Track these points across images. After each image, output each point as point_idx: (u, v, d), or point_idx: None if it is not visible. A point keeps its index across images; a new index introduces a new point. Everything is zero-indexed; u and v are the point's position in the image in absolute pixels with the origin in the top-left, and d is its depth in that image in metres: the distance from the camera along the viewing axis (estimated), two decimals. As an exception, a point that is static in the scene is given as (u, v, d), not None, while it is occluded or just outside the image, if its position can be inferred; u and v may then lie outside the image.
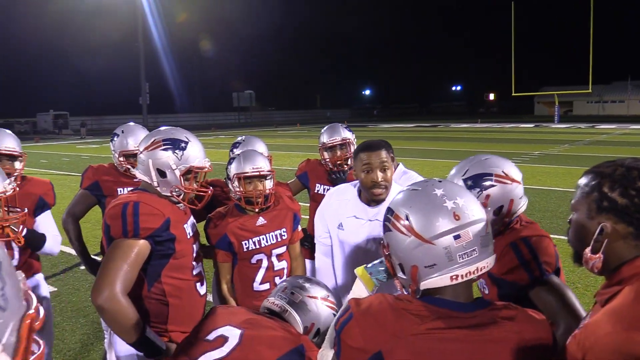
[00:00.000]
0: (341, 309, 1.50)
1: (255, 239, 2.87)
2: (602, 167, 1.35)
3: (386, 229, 1.42)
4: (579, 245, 1.35)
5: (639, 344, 1.10)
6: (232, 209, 2.94)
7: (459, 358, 1.25)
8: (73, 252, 3.44)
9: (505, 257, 1.93)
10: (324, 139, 3.88)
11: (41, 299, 3.38)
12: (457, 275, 1.31)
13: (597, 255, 1.29)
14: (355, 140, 3.90)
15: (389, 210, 1.42)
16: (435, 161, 17.77)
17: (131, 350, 2.30)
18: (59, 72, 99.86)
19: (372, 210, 2.68)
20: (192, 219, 2.56)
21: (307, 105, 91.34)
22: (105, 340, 3.77)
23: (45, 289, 3.40)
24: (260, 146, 3.68)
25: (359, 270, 1.87)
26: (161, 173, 2.36)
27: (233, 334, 1.83)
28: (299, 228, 3.12)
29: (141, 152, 2.41)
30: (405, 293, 1.42)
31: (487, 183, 2.04)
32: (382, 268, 1.81)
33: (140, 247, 2.22)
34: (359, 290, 1.82)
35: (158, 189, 2.38)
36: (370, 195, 2.64)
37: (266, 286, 2.92)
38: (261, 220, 2.91)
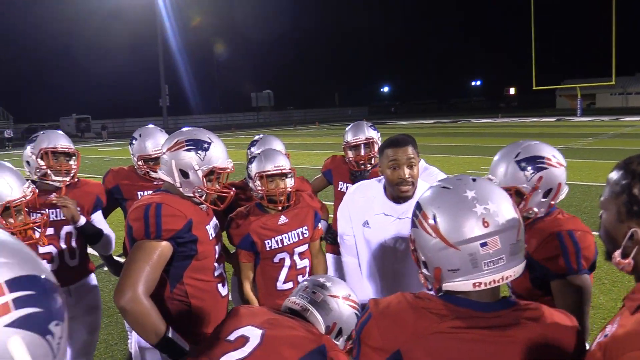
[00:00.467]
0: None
1: (278, 238, 2.86)
2: (634, 163, 1.24)
3: (413, 224, 1.39)
4: (609, 245, 1.28)
5: None
6: (254, 209, 2.94)
7: (479, 358, 1.22)
8: (95, 253, 3.49)
9: (548, 244, 2.01)
10: (348, 137, 3.86)
11: (96, 304, 3.43)
12: (480, 283, 1.27)
13: (627, 261, 1.21)
14: (380, 139, 3.86)
15: (418, 206, 1.39)
16: (456, 157, 17.62)
17: (155, 351, 2.31)
18: (80, 76, 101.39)
19: (400, 208, 2.64)
20: (214, 220, 2.56)
21: (326, 103, 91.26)
22: (129, 340, 3.81)
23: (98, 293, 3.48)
24: (278, 144, 3.68)
25: None
26: (184, 174, 2.37)
27: (254, 334, 1.82)
28: (320, 225, 3.11)
29: (164, 153, 2.42)
30: (428, 287, 1.40)
31: (540, 165, 2.12)
32: None
33: (163, 248, 2.23)
34: None
35: (181, 189, 2.39)
36: (397, 192, 2.60)
37: (289, 285, 2.91)
38: (283, 219, 2.90)
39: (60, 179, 3.18)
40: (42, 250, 3.10)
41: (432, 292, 1.39)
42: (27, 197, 2.57)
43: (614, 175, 1.27)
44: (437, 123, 44.44)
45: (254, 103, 67.68)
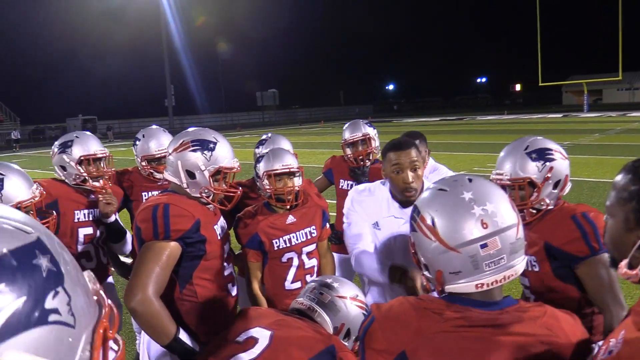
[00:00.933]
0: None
1: (286, 237, 2.86)
2: None
3: (412, 228, 1.39)
4: (615, 253, 1.22)
5: None
6: (262, 208, 2.94)
7: (483, 356, 1.22)
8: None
9: (565, 228, 2.05)
10: (346, 135, 3.96)
11: (119, 302, 3.49)
12: (482, 284, 1.27)
13: (634, 272, 1.14)
14: (377, 135, 3.97)
15: (415, 209, 1.38)
16: (462, 154, 17.56)
17: (165, 352, 2.32)
18: (86, 78, 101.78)
19: (408, 211, 2.61)
20: (222, 220, 2.56)
21: (331, 102, 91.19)
22: (137, 341, 3.82)
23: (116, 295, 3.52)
24: (286, 144, 3.70)
25: None
26: (190, 174, 2.37)
27: (263, 335, 1.82)
28: (327, 225, 3.11)
29: (170, 154, 2.42)
30: (431, 289, 1.40)
31: (549, 156, 2.19)
32: None
33: (172, 249, 2.23)
34: None
35: (187, 190, 2.39)
36: (402, 197, 2.57)
37: (298, 285, 2.90)
38: (291, 219, 2.89)
39: (97, 184, 3.23)
40: (80, 248, 3.19)
41: (435, 294, 1.39)
42: (36, 199, 2.59)
43: (622, 179, 1.20)
44: (443, 120, 44.32)
45: (259, 102, 67.72)
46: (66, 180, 3.22)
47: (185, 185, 2.38)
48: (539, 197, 2.16)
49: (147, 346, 2.47)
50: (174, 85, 51.29)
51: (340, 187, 4.04)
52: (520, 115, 45.98)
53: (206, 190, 2.39)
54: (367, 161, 3.89)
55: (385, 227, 2.63)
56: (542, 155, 2.19)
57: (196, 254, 2.33)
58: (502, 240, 1.27)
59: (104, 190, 3.19)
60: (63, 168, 3.22)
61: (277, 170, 2.85)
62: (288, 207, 2.90)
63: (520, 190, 2.19)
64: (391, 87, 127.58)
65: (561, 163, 2.19)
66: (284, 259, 2.89)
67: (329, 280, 2.13)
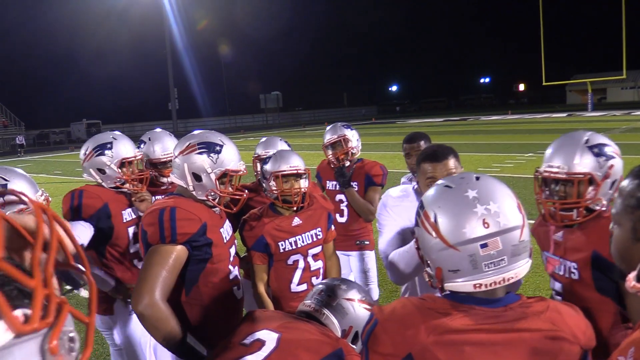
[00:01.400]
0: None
1: (292, 240, 2.85)
2: None
3: (416, 223, 1.38)
4: (622, 264, 1.17)
5: None
6: (267, 210, 2.93)
7: (489, 355, 1.21)
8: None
9: None
10: (325, 138, 4.20)
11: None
12: (480, 284, 1.26)
13: None
14: (355, 136, 4.16)
15: (421, 205, 1.38)
16: (466, 155, 17.49)
17: (173, 356, 2.31)
18: (90, 82, 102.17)
19: None
20: (227, 223, 2.55)
21: (334, 103, 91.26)
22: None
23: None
24: (283, 145, 3.77)
25: None
26: (197, 177, 2.37)
27: (270, 337, 1.80)
28: (332, 227, 3.10)
29: (176, 157, 2.42)
30: (432, 285, 1.38)
31: (610, 153, 2.03)
32: None
33: (178, 252, 2.22)
34: None
35: (194, 193, 2.39)
36: None
37: (303, 287, 2.90)
38: (297, 221, 2.89)
39: (140, 186, 3.17)
40: (132, 249, 3.16)
41: (437, 293, 1.38)
42: None
43: (628, 185, 1.15)
44: (447, 121, 44.24)
45: (262, 105, 67.76)
46: (103, 184, 3.12)
47: (191, 188, 2.38)
48: (596, 195, 1.98)
49: (154, 350, 2.47)
50: (177, 89, 51.40)
51: (327, 188, 4.25)
52: (524, 115, 45.85)
53: (212, 193, 2.39)
54: (346, 161, 4.08)
55: None
56: (603, 150, 2.02)
57: (202, 257, 2.32)
58: (504, 241, 1.25)
59: (135, 192, 3.14)
60: (101, 171, 3.11)
61: (284, 171, 2.85)
62: (294, 208, 2.89)
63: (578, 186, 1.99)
64: (395, 88, 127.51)
65: (619, 162, 2.03)
66: (290, 262, 2.88)
67: (336, 283, 2.11)
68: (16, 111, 48.92)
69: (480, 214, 1.26)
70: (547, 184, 2.15)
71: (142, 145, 3.67)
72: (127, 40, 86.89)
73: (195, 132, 2.51)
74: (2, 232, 0.59)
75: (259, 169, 3.65)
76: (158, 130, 3.82)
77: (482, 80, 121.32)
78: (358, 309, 2.01)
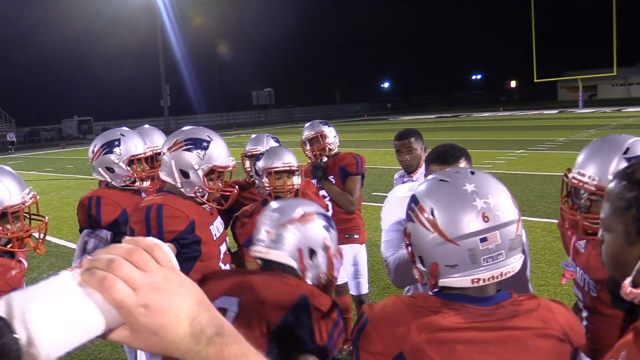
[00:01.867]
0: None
1: None
2: (637, 171, 1.07)
3: (409, 218, 1.35)
4: (616, 272, 1.12)
5: None
6: (260, 207, 2.91)
7: (481, 353, 1.20)
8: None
9: None
10: (303, 134, 4.27)
11: None
12: (479, 279, 1.25)
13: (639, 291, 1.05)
14: (335, 134, 4.26)
15: (414, 200, 1.35)
16: (458, 151, 17.55)
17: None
18: (81, 79, 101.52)
19: None
20: (218, 220, 2.54)
21: (327, 100, 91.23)
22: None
23: None
24: (270, 142, 3.85)
25: None
26: (184, 174, 2.35)
27: (230, 302, 1.71)
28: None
29: (164, 154, 2.40)
30: (422, 282, 1.37)
31: None
32: None
33: None
34: None
35: (182, 190, 2.37)
36: None
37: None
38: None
39: (147, 184, 3.08)
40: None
41: (428, 290, 1.36)
42: (27, 204, 2.48)
43: (615, 187, 1.10)
44: (439, 118, 44.34)
45: (255, 101, 67.62)
46: (113, 183, 3.02)
47: (179, 185, 2.36)
48: None
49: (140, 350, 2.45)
50: (169, 86, 51.20)
51: None
52: (516, 111, 46.03)
53: (200, 190, 2.37)
54: (323, 157, 4.16)
55: None
56: None
57: (191, 255, 2.30)
58: (502, 235, 1.24)
59: (151, 190, 3.05)
60: (110, 169, 3.01)
61: (277, 167, 2.85)
62: None
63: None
64: (387, 84, 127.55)
65: None
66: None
67: (268, 214, 1.90)
68: (6, 108, 48.52)
69: (480, 208, 1.24)
70: (575, 190, 1.97)
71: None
72: (119, 37, 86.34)
73: (184, 128, 2.49)
74: None
75: (247, 165, 3.66)
76: (146, 126, 3.79)
77: (474, 77, 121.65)
78: (300, 228, 1.82)
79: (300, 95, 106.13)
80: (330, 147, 4.19)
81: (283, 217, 1.84)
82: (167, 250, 0.67)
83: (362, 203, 4.46)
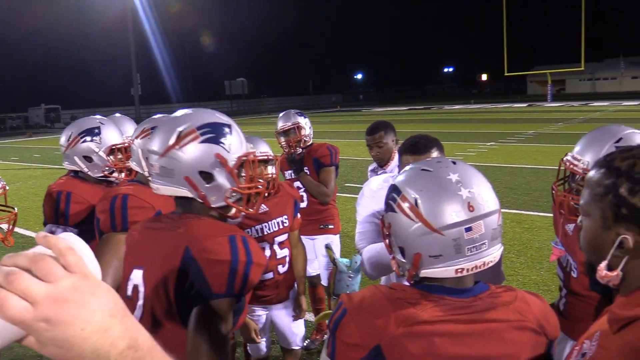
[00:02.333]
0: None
1: (258, 227, 2.83)
2: (616, 159, 1.10)
3: (389, 208, 1.33)
4: (592, 256, 1.15)
5: None
6: None
7: (459, 345, 1.21)
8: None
9: None
10: (278, 125, 4.21)
11: None
12: (462, 269, 1.25)
13: (615, 273, 1.08)
14: (310, 126, 4.25)
15: (395, 189, 1.33)
16: (430, 144, 17.72)
17: None
18: (49, 66, 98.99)
19: None
20: None
21: (300, 91, 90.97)
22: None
23: None
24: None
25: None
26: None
27: (137, 277, 1.60)
28: (298, 215, 3.10)
29: (132, 142, 2.37)
30: (400, 273, 1.36)
31: None
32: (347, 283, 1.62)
33: None
34: None
35: (150, 178, 2.34)
36: None
37: (270, 275, 2.89)
38: (263, 208, 2.85)
39: (123, 175, 2.95)
40: None
41: (405, 282, 1.35)
42: None
43: (595, 175, 1.13)
44: (411, 110, 44.61)
45: (227, 91, 66.99)
46: (89, 173, 2.88)
47: (147, 174, 2.32)
48: None
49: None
50: (141, 74, 50.30)
51: (285, 177, 4.30)
52: (487, 104, 46.63)
53: None
54: (298, 148, 4.13)
55: None
56: None
57: None
58: (486, 225, 1.25)
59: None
60: (88, 158, 2.87)
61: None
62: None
63: None
64: (360, 76, 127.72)
65: None
66: (255, 249, 2.86)
67: (148, 146, 1.70)
68: (-30, 95, 47.04)
69: (465, 197, 1.24)
70: (572, 174, 2.09)
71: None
72: (88, 23, 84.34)
73: (154, 116, 2.45)
74: None
75: None
76: (117, 115, 3.71)
77: (445, 70, 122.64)
78: (182, 154, 1.59)
79: (273, 85, 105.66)
80: (306, 139, 4.18)
81: (160, 147, 1.62)
82: (84, 254, 0.64)
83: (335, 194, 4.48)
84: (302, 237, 4.04)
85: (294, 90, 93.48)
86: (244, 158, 1.67)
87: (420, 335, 1.19)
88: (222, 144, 1.63)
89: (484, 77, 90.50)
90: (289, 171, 4.23)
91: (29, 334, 0.59)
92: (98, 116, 3.06)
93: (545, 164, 12.76)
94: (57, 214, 2.74)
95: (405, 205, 1.28)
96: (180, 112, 1.72)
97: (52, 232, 2.73)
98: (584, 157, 1.97)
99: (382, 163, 3.58)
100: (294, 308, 3.12)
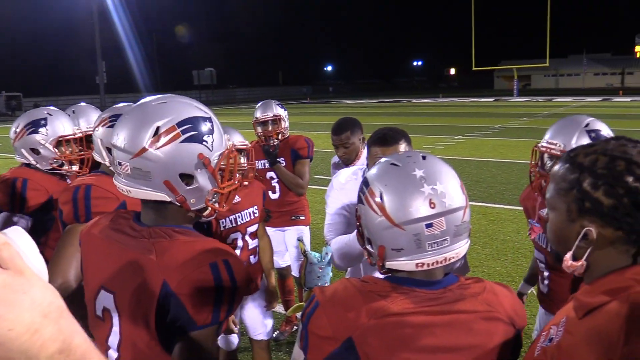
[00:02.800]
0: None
1: (232, 217, 2.82)
2: (580, 155, 1.14)
3: (360, 200, 1.36)
4: (559, 247, 1.19)
5: None
6: None
7: (428, 336, 1.23)
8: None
9: None
10: (258, 114, 4.14)
11: None
12: (423, 263, 1.27)
13: (579, 263, 1.12)
14: (287, 116, 4.22)
15: (365, 182, 1.36)
16: (399, 136, 17.88)
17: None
18: (9, 53, 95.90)
19: None
20: None
21: (270, 82, 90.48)
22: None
23: None
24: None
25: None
26: (110, 152, 2.28)
27: (108, 301, 1.45)
28: (263, 207, 3.11)
29: (93, 132, 2.33)
30: (372, 263, 1.38)
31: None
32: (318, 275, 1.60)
33: None
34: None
35: (112, 168, 2.30)
36: None
37: (243, 266, 2.89)
38: (236, 198, 2.85)
39: (76, 168, 2.87)
40: None
41: (377, 274, 1.37)
42: None
43: (559, 170, 1.17)
44: (381, 102, 44.89)
45: (195, 81, 66.15)
46: (38, 166, 2.82)
47: (107, 164, 2.28)
48: None
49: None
50: (106, 62, 49.22)
51: (257, 167, 4.22)
52: (454, 98, 47.23)
53: None
54: (275, 140, 4.09)
55: None
56: (600, 134, 2.25)
57: None
58: (448, 221, 1.27)
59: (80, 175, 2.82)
60: (35, 151, 2.80)
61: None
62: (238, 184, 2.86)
63: None
64: (330, 68, 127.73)
65: None
66: (229, 241, 2.86)
67: (111, 139, 1.51)
68: None
69: (427, 194, 1.26)
70: (542, 158, 2.40)
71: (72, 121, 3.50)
72: (52, 8, 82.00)
73: (117, 105, 2.41)
74: None
75: None
76: (82, 104, 3.63)
77: (415, 63, 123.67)
78: (158, 155, 1.40)
79: (242, 76, 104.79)
80: (284, 132, 4.16)
81: (132, 146, 1.40)
82: (26, 249, 0.62)
83: (305, 186, 4.49)
84: (272, 228, 4.08)
85: (263, 81, 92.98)
86: (226, 154, 1.51)
87: (390, 326, 1.21)
88: (204, 143, 1.45)
89: (452, 71, 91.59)
90: (262, 161, 4.19)
91: None
92: (52, 107, 2.99)
93: (510, 157, 13.02)
94: (12, 201, 2.68)
95: (372, 199, 1.31)
96: (151, 102, 1.48)
97: (7, 221, 2.67)
98: (556, 140, 2.30)
99: (347, 163, 3.48)
100: (265, 299, 3.12)
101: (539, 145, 2.38)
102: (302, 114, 31.95)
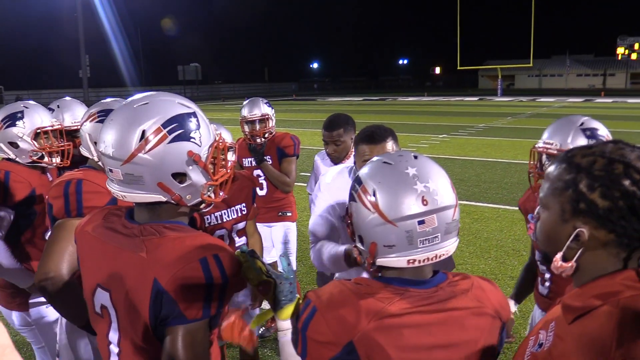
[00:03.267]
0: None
1: (217, 214, 2.81)
2: (577, 155, 1.13)
3: (351, 198, 1.39)
4: (548, 247, 1.19)
5: None
6: None
7: (425, 335, 1.26)
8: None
9: None
10: (245, 112, 4.11)
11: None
12: (414, 260, 1.30)
13: (569, 264, 1.12)
14: (274, 115, 4.20)
15: (357, 180, 1.38)
16: (384, 134, 17.95)
17: (82, 332, 2.25)
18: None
19: None
20: None
21: (255, 78, 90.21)
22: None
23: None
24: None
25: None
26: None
27: (105, 299, 1.49)
28: (254, 204, 3.10)
29: (80, 127, 2.33)
30: (362, 261, 1.41)
31: (601, 137, 2.28)
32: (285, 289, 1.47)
33: None
34: None
35: (100, 163, 2.30)
36: None
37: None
38: (222, 194, 2.83)
39: (58, 160, 2.86)
40: None
41: (365, 274, 1.39)
42: None
43: (555, 170, 1.16)
44: (366, 100, 44.98)
45: (180, 76, 65.69)
46: (17, 159, 2.81)
47: (96, 159, 2.28)
48: None
49: (65, 328, 2.39)
50: (90, 56, 48.67)
51: (244, 165, 4.25)
52: (439, 97, 47.50)
53: None
54: (262, 139, 4.08)
55: None
56: (595, 134, 2.27)
57: None
58: (439, 219, 1.29)
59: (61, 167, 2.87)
60: (13, 145, 2.80)
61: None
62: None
63: None
64: (315, 65, 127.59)
65: None
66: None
67: (108, 151, 1.46)
68: None
69: (419, 192, 1.29)
70: (541, 159, 2.45)
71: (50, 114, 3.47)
72: (36, 2, 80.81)
73: (104, 100, 2.41)
74: None
75: None
76: (67, 98, 3.60)
77: (400, 62, 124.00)
78: (148, 160, 1.41)
79: (228, 72, 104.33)
80: (272, 131, 4.16)
81: (121, 153, 1.41)
82: None
83: (292, 183, 4.50)
84: (259, 224, 4.08)
85: (249, 77, 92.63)
86: (215, 146, 1.52)
87: (390, 328, 1.24)
88: (192, 139, 1.45)
89: (438, 70, 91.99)
90: (249, 159, 4.19)
91: None
92: (30, 101, 2.99)
93: (494, 156, 13.15)
94: None
95: (365, 196, 1.34)
96: (133, 104, 1.47)
97: None
98: (553, 140, 2.33)
99: (337, 161, 3.41)
100: (251, 296, 3.12)
101: (537, 145, 2.41)
102: (288, 110, 31.91)
